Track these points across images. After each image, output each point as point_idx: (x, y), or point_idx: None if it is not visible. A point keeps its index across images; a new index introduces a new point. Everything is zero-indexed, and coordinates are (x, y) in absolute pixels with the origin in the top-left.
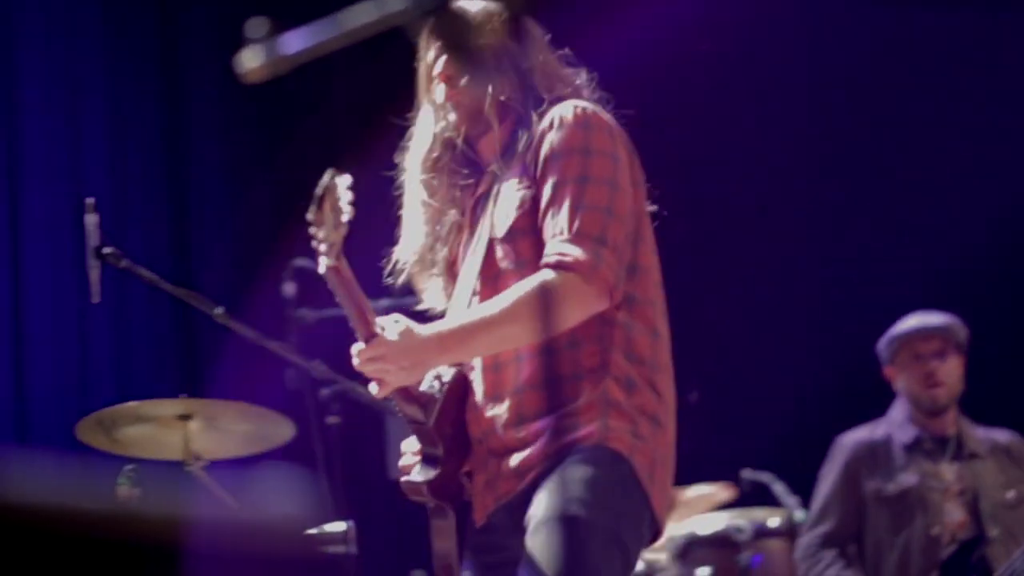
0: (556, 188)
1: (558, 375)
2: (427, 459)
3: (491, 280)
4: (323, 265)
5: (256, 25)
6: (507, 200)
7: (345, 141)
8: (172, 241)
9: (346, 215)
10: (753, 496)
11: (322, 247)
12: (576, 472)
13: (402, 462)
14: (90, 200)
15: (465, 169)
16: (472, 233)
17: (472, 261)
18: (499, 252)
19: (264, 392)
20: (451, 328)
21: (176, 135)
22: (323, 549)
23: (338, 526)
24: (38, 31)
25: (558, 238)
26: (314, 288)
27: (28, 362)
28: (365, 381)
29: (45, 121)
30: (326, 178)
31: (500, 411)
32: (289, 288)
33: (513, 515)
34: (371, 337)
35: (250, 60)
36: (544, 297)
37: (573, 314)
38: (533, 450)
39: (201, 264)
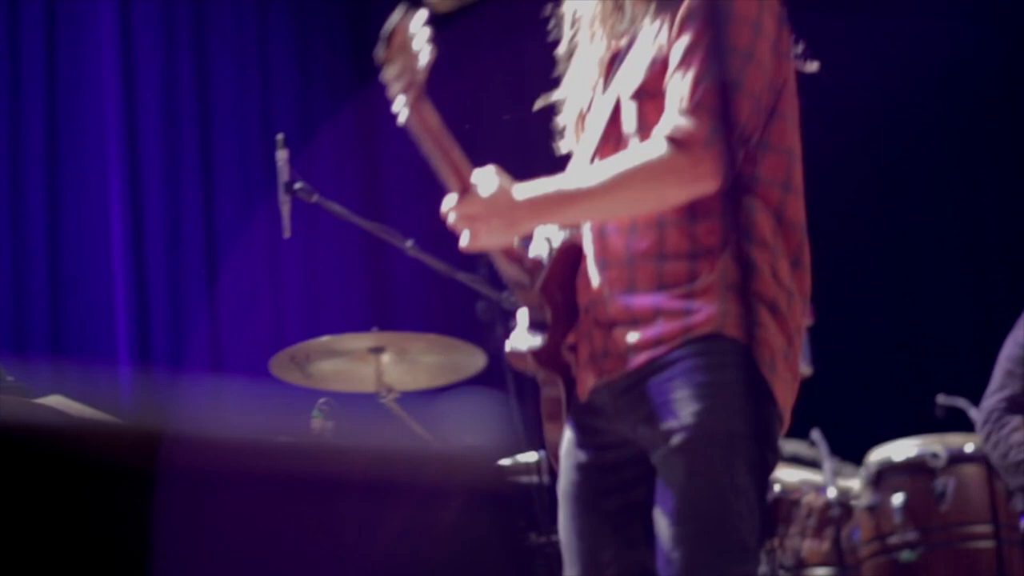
0: (686, 53)
1: (675, 250)
2: (534, 325)
3: (613, 141)
4: (402, 113)
5: None
6: (640, 57)
7: (533, 74)
8: (362, 175)
9: (424, 56)
10: (948, 422)
11: (395, 87)
12: (699, 377)
13: (515, 331)
14: (280, 136)
15: (620, 18)
16: (606, 86)
17: (598, 117)
18: (624, 112)
19: (455, 324)
20: (547, 193)
21: (364, 67)
22: (515, 479)
23: (530, 456)
24: None
25: (676, 108)
26: None
27: (222, 299)
28: None
29: (235, 57)
30: (395, 16)
31: (610, 279)
32: None
33: (617, 400)
34: (464, 191)
35: None
36: (647, 172)
37: (677, 193)
38: (643, 330)
39: (391, 197)
